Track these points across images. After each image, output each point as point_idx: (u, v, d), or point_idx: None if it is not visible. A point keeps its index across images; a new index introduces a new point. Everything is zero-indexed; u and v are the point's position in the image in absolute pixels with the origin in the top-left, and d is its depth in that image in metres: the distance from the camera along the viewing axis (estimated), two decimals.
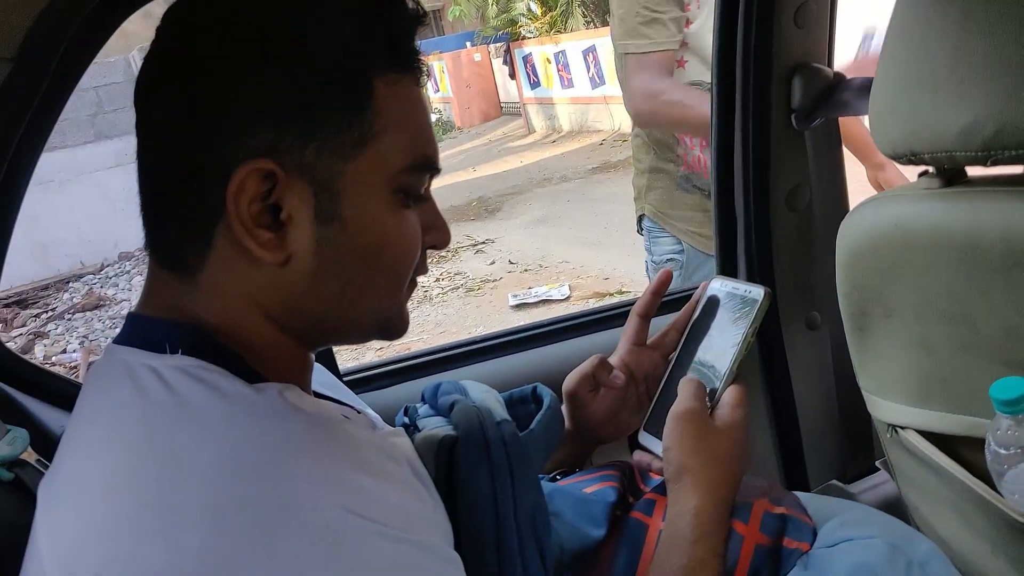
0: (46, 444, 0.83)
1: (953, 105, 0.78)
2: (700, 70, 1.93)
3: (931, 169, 0.88)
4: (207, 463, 0.55)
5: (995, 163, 0.76)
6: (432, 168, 0.70)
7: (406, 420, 0.88)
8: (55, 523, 0.60)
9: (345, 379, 1.23)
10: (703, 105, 1.70)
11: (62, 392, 1.02)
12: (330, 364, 1.22)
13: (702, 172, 1.96)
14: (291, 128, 0.62)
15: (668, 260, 2.05)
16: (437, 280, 6.27)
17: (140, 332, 0.65)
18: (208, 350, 0.63)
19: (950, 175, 0.87)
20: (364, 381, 1.28)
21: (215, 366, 0.62)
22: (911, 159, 0.86)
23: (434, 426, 0.83)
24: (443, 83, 15.74)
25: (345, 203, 0.64)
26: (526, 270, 6.27)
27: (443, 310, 5.71)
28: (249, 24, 0.62)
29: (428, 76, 0.71)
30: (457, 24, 17.12)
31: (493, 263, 6.62)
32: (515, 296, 5.57)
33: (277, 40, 0.62)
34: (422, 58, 0.69)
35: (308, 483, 0.56)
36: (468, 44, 16.28)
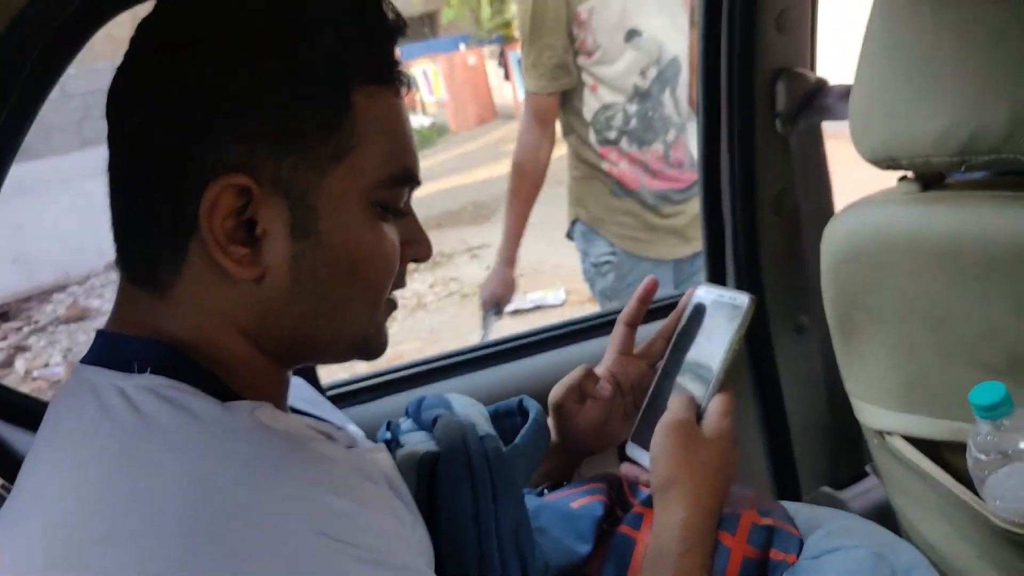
0: (14, 469, 0.77)
1: (928, 111, 0.78)
2: (611, 94, 2.06)
3: (909, 174, 0.88)
4: (174, 485, 0.54)
5: (970, 168, 0.76)
6: (412, 181, 0.69)
7: (389, 436, 0.87)
8: (14, 552, 0.57)
9: (328, 394, 1.22)
10: (510, 215, 2.21)
11: (32, 412, 0.99)
12: (312, 379, 1.20)
13: (629, 184, 2.09)
14: (267, 142, 0.61)
15: (604, 263, 2.18)
16: (431, 286, 6.23)
17: (109, 351, 0.64)
18: (180, 368, 0.61)
19: (928, 180, 0.87)
20: (348, 396, 1.26)
21: (185, 385, 0.60)
22: (890, 164, 0.86)
23: (416, 442, 0.82)
24: (437, 86, 15.70)
25: (321, 217, 0.63)
26: (521, 275, 6.24)
27: (438, 317, 5.68)
28: (226, 39, 0.61)
29: (409, 87, 0.70)
30: (451, 27, 17.09)
31: (488, 268, 6.60)
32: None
33: (255, 54, 0.61)
34: (402, 69, 0.68)
35: (278, 505, 0.55)
36: (462, 47, 16.24)
